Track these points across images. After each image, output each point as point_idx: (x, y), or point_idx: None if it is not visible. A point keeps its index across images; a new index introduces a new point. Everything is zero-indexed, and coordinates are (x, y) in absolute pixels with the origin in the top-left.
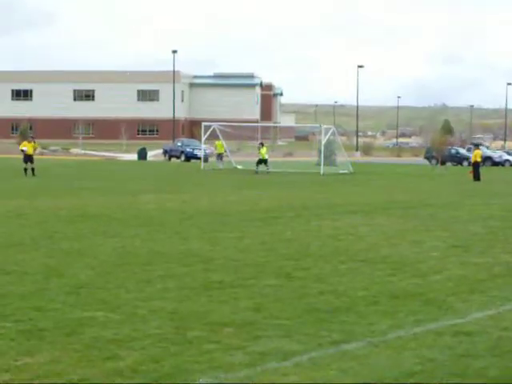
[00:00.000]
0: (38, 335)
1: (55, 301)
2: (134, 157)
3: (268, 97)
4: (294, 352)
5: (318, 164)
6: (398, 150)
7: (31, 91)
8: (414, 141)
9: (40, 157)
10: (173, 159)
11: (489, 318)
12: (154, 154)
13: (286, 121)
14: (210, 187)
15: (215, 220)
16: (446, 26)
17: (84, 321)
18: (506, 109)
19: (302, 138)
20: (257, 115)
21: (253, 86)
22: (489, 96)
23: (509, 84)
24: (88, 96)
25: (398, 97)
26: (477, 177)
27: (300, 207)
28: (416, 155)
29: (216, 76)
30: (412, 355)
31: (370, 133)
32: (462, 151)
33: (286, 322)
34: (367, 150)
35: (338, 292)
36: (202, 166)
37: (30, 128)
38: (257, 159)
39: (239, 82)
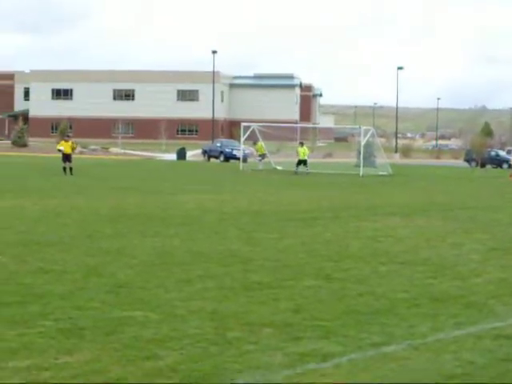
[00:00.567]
0: (78, 334)
1: (94, 300)
2: (173, 157)
3: (307, 98)
4: (334, 354)
5: (357, 165)
6: (438, 152)
7: (71, 90)
8: (453, 143)
9: (79, 156)
10: (212, 159)
11: None
12: (193, 154)
13: (325, 122)
14: (249, 187)
15: (254, 220)
16: (487, 27)
17: (123, 320)
18: None
19: (342, 139)
20: (296, 116)
21: (292, 86)
22: None
23: None
24: (128, 95)
25: (438, 98)
26: None
27: (339, 208)
28: (455, 157)
29: (256, 77)
30: (452, 358)
31: (409, 134)
32: (502, 154)
33: (325, 324)
34: (406, 151)
35: (377, 294)
36: (240, 167)
37: (70, 127)
38: (296, 160)
39: (279, 83)
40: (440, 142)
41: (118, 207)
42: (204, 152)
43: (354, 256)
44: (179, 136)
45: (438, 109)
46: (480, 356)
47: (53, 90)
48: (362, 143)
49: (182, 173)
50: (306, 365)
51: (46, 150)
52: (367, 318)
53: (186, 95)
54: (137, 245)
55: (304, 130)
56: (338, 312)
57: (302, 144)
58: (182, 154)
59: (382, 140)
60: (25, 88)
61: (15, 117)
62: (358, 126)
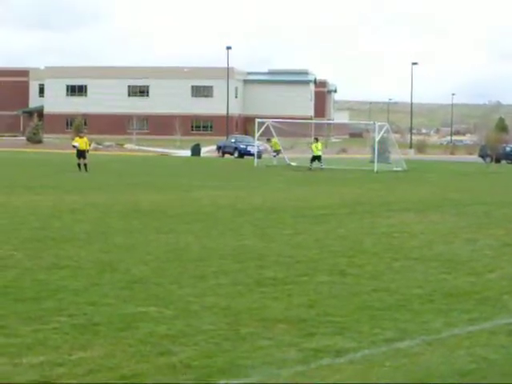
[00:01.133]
0: (92, 330)
1: (109, 296)
2: (187, 153)
3: (322, 94)
4: (348, 349)
5: (372, 161)
6: (452, 147)
7: (86, 87)
8: (468, 138)
9: (94, 152)
10: (226, 155)
11: None
12: (208, 150)
13: (339, 118)
14: (264, 184)
15: (268, 216)
16: (502, 22)
17: (137, 316)
18: None
19: (356, 135)
20: (311, 112)
21: (307, 82)
22: None
23: None
24: (142, 92)
25: (453, 94)
26: None
27: (353, 204)
28: (470, 153)
29: (270, 73)
30: (466, 354)
31: (423, 130)
32: None
33: (339, 319)
34: (421, 147)
35: (391, 289)
36: (255, 163)
37: (85, 123)
38: (311, 156)
39: (293, 79)
40: (455, 137)
41: (132, 203)
42: (218, 148)
43: (368, 252)
44: (194, 132)
45: (452, 104)
46: (494, 352)
47: (67, 87)
48: (377, 139)
49: (196, 169)
50: (320, 360)
51: (60, 146)
52: (381, 314)
53: (201, 91)
54: (151, 241)
55: (318, 126)
56: (351, 308)
57: (316, 140)
58: (196, 150)
59: (397, 136)
60: (39, 84)
61: (30, 113)
62: (372, 122)
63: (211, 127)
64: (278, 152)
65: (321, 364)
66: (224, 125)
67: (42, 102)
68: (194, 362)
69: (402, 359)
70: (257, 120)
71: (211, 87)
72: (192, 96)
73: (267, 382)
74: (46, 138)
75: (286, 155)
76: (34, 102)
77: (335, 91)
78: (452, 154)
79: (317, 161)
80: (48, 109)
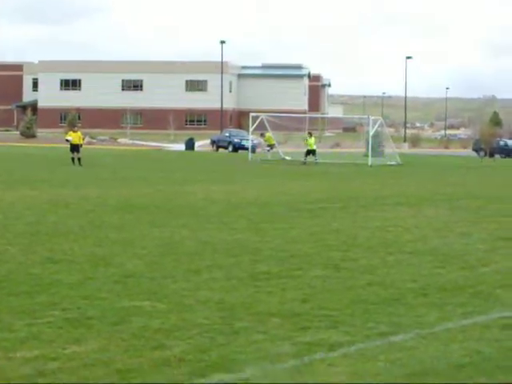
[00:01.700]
0: (86, 324)
1: (102, 290)
2: (181, 147)
3: (316, 88)
4: (342, 343)
5: (366, 155)
6: (446, 141)
7: (80, 81)
8: (462, 132)
9: (88, 146)
10: (220, 150)
11: None
12: (202, 145)
13: (333, 112)
14: (258, 178)
15: (262, 211)
16: (495, 17)
17: (131, 310)
18: None
19: (350, 129)
20: (305, 106)
21: (301, 76)
22: None
23: None
24: (136, 86)
25: (447, 88)
26: None
27: (348, 198)
28: (464, 147)
29: (264, 67)
30: (460, 348)
31: (418, 124)
32: (511, 143)
33: (333, 313)
34: (415, 141)
35: (385, 283)
36: (249, 157)
37: (79, 118)
38: (305, 150)
39: (287, 73)
40: (449, 131)
41: (126, 197)
42: (213, 142)
43: (363, 246)
44: (188, 126)
45: (446, 98)
46: (487, 346)
47: (61, 81)
48: (371, 133)
49: (190, 163)
50: (314, 354)
51: (54, 140)
52: (375, 308)
53: (195, 85)
54: (145, 235)
55: (313, 120)
56: (345, 302)
57: (310, 134)
58: (190, 145)
59: (391, 130)
60: (33, 79)
61: (24, 107)
62: (366, 116)
63: (205, 121)
64: (272, 146)
65: (315, 358)
66: (218, 119)
67: (36, 96)
68: (188, 356)
69: (396, 353)
70: (251, 114)
71: (205, 81)
72: (186, 90)
73: (261, 376)
74: (40, 132)
75: (280, 149)
76: (27, 96)
77: (329, 85)
78: (446, 148)
79: (311, 155)
80: (42, 103)
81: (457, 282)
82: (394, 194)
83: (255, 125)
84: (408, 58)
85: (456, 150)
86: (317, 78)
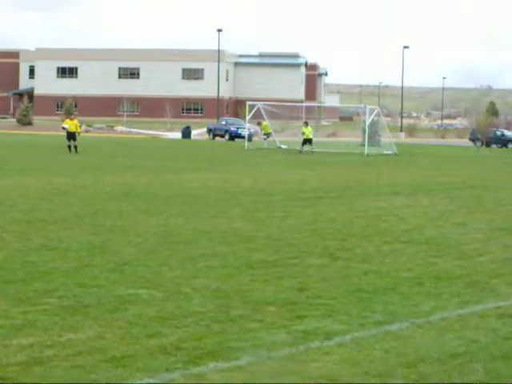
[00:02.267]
0: (82, 311)
1: (99, 278)
2: (178, 135)
3: (313, 77)
4: (337, 332)
5: (362, 144)
6: (443, 131)
7: (76, 69)
8: (458, 122)
9: (84, 134)
10: (217, 138)
11: None
12: (199, 133)
13: (330, 101)
14: (254, 166)
15: (259, 199)
16: (492, 6)
17: (127, 298)
18: None
19: (347, 118)
20: (301, 95)
21: (298, 65)
22: None
23: None
24: (133, 74)
25: (444, 78)
26: None
27: (344, 187)
28: (461, 137)
29: (261, 55)
30: (456, 337)
31: (414, 114)
32: (507, 133)
33: (329, 302)
34: (411, 131)
35: (381, 273)
36: (246, 146)
37: (75, 105)
38: (301, 139)
39: (284, 62)
40: (445, 121)
41: (122, 185)
42: (209, 131)
43: (359, 235)
44: (184, 115)
45: (443, 88)
46: (483, 335)
47: (58, 68)
48: (367, 122)
49: (186, 152)
50: (310, 343)
51: (50, 128)
52: (371, 297)
53: (191, 74)
54: (141, 223)
55: (309, 109)
56: (341, 291)
57: (306, 124)
58: (187, 133)
59: (388, 119)
60: (30, 66)
61: (20, 95)
62: (363, 105)
63: (202, 110)
64: (268, 135)
65: (310, 347)
66: (215, 107)
67: (33, 83)
68: (184, 344)
69: (392, 342)
70: (247, 103)
71: (202, 70)
72: (183, 78)
73: (256, 364)
74: (36, 119)
75: (276, 138)
76: (24, 83)
77: (326, 74)
78: (442, 137)
79: (308, 144)
80: (38, 90)
81: (453, 272)
82: (391, 183)
83: (252, 113)
84: (405, 47)
85: (452, 140)
86: (313, 66)
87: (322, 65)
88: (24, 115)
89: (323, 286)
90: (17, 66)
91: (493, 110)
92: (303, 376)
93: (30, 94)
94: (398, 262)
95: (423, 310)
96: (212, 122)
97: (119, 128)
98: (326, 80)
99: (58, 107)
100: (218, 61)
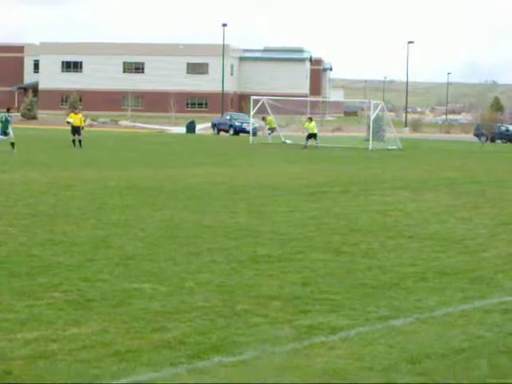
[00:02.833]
0: (86, 306)
1: (103, 272)
2: (182, 130)
3: (317, 71)
4: (342, 327)
5: (367, 139)
6: (448, 126)
7: (81, 63)
8: (463, 117)
9: (89, 129)
10: (221, 133)
11: None
12: (203, 128)
13: (335, 96)
14: (259, 161)
15: (263, 194)
16: (499, 1)
17: (131, 292)
18: None
19: (351, 113)
20: (306, 90)
21: (302, 60)
22: None
23: None
24: (137, 68)
25: (448, 73)
26: None
27: (348, 182)
28: (465, 132)
29: (265, 50)
30: (460, 332)
31: (419, 109)
32: None
33: (333, 297)
34: (416, 126)
35: (385, 268)
36: (250, 140)
37: (80, 100)
38: (306, 134)
39: (289, 57)
40: (450, 116)
41: (127, 180)
42: (213, 125)
43: (363, 230)
44: (188, 109)
45: (448, 83)
46: (488, 330)
47: (62, 63)
48: (372, 117)
49: (191, 146)
50: (314, 338)
51: (55, 122)
52: (375, 292)
53: (196, 68)
54: (146, 217)
55: (314, 104)
56: (346, 285)
57: (310, 119)
58: (191, 128)
59: (392, 114)
60: (34, 60)
61: (25, 89)
62: (367, 100)
63: (206, 104)
64: (273, 130)
65: (314, 341)
66: (219, 102)
67: (37, 77)
68: (188, 339)
69: (396, 337)
70: (252, 97)
71: (206, 64)
72: (187, 73)
73: (261, 358)
74: (41, 114)
75: (281, 133)
76: (28, 77)
77: (331, 69)
78: (447, 132)
79: (313, 139)
80: (43, 85)
81: (457, 267)
82: (395, 178)
83: (256, 108)
84: (410, 42)
85: (457, 135)
86: (318, 61)
87: (327, 60)
88: (28, 109)
89: (328, 280)
90: (21, 60)
91: (497, 106)
92: (307, 371)
93: (34, 88)
94: (403, 257)
95: (427, 305)
96: (216, 117)
97: (124, 122)
98: (331, 75)
99: (62, 101)
100: (223, 55)
